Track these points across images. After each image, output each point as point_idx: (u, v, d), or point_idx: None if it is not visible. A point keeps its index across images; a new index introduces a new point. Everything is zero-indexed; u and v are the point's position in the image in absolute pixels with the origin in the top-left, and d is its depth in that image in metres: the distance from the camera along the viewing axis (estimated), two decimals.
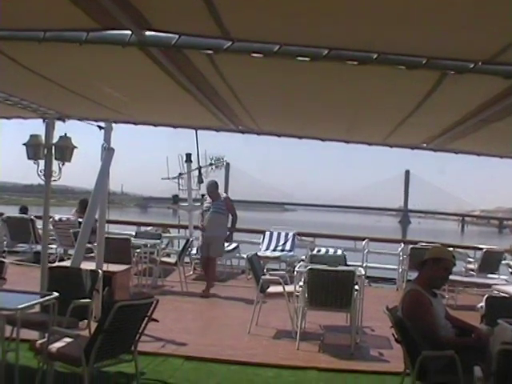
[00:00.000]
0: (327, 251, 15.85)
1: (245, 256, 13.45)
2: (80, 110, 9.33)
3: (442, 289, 10.62)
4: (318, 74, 5.67)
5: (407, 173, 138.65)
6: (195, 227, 15.94)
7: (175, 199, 19.69)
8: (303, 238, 18.36)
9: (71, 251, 13.09)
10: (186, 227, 18.37)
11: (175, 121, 10.60)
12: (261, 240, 17.53)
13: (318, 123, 9.27)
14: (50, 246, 13.81)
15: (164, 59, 5.57)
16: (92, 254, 11.21)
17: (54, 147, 8.59)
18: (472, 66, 4.80)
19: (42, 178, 8.60)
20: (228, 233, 14.35)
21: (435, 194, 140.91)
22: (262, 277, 10.72)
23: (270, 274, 11.50)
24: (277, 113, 8.57)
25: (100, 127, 9.95)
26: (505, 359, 5.26)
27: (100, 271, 8.45)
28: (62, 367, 6.57)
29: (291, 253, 16.86)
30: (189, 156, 18.75)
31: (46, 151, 8.55)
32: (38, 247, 15.20)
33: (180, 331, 10.02)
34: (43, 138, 8.62)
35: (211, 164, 20.68)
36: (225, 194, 14.77)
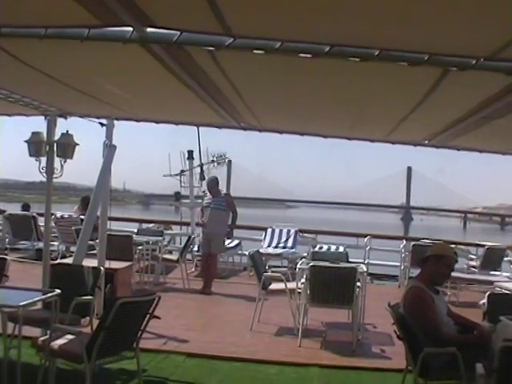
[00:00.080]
0: (329, 248, 15.83)
1: (247, 253, 13.44)
2: (82, 107, 9.34)
3: (444, 286, 10.61)
4: (319, 70, 5.67)
5: (409, 169, 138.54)
6: (197, 224, 15.92)
7: (177, 196, 19.68)
8: (305, 234, 18.33)
9: (73, 248, 13.07)
10: (188, 224, 18.36)
11: (177, 118, 10.60)
12: (263, 237, 17.51)
13: (320, 120, 9.27)
14: (52, 243, 13.84)
15: (165, 56, 5.57)
16: (94, 251, 11.20)
17: (55, 144, 8.57)
18: (474, 62, 4.79)
19: (44, 175, 8.59)
20: (228, 230, 14.34)
21: (437, 191, 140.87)
22: (264, 274, 10.71)
23: (272, 271, 11.48)
24: (279, 110, 8.57)
25: (102, 124, 9.93)
26: (507, 356, 5.25)
27: (102, 268, 8.44)
28: (64, 364, 6.57)
29: (293, 250, 16.84)
30: (191, 153, 18.74)
31: (47, 148, 8.54)
32: (40, 244, 15.19)
33: (182, 328, 10.01)
34: (45, 135, 8.61)
35: (213, 161, 20.64)
36: (225, 191, 14.74)
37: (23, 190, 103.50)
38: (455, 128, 8.22)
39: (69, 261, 10.19)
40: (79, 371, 6.11)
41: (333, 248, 15.81)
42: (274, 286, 10.68)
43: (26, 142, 8.60)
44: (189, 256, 15.78)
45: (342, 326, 10.51)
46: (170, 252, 16.14)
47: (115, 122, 10.15)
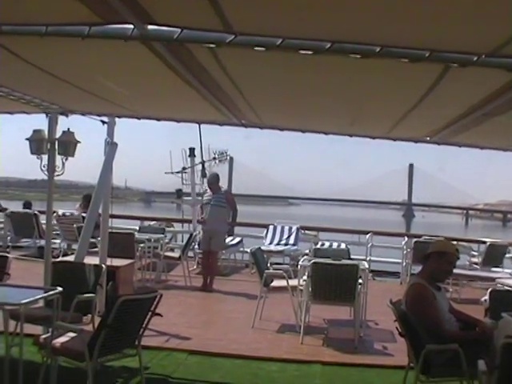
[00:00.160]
0: (331, 245, 15.89)
1: (248, 250, 13.44)
2: (83, 104, 9.32)
3: (445, 282, 10.61)
4: (320, 67, 5.66)
5: (411, 166, 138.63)
6: (198, 221, 15.93)
7: (179, 194, 19.71)
8: (307, 231, 18.35)
9: (75, 246, 13.09)
10: (189, 221, 18.40)
11: (178, 115, 10.58)
12: (264, 234, 17.53)
13: (321, 117, 9.25)
14: (54, 240, 13.87)
15: (167, 53, 5.56)
16: (96, 249, 11.22)
17: (57, 142, 8.59)
18: (475, 58, 4.78)
19: (46, 173, 8.60)
20: (229, 227, 14.34)
21: (439, 188, 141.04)
22: (266, 271, 10.73)
23: (274, 268, 11.52)
24: (280, 107, 8.56)
25: (103, 122, 9.93)
26: (509, 353, 5.25)
27: (104, 266, 8.46)
28: (65, 362, 6.58)
29: (295, 247, 16.86)
30: (192, 150, 18.76)
31: (49, 146, 8.55)
32: (42, 242, 15.20)
33: (184, 325, 10.03)
34: (46, 133, 8.62)
35: (214, 158, 20.66)
36: (225, 187, 14.72)
37: (25, 188, 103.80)
38: (456, 125, 8.20)
39: (70, 258, 10.21)
40: (81, 369, 6.13)
41: (334, 245, 15.88)
42: (275, 283, 10.69)
43: (27, 139, 8.61)
44: (190, 253, 15.82)
45: (344, 323, 10.53)
46: (172, 249, 16.17)
47: (116, 119, 10.16)
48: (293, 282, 10.43)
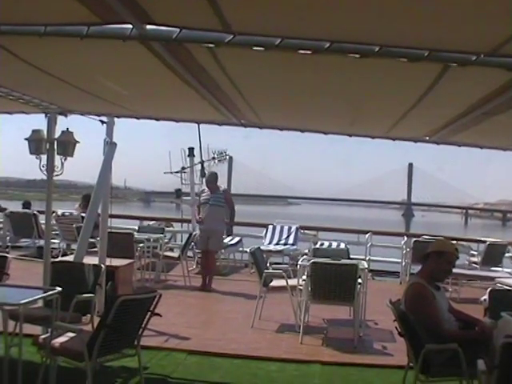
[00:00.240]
0: (330, 245, 15.88)
1: (248, 250, 13.44)
2: (82, 104, 9.32)
3: (445, 282, 10.61)
4: (320, 67, 5.65)
5: (410, 166, 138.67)
6: (197, 221, 15.92)
7: (178, 193, 19.72)
8: (306, 231, 18.34)
9: (74, 246, 13.09)
10: (188, 221, 18.39)
11: (177, 115, 10.58)
12: (264, 234, 17.51)
13: (321, 116, 9.25)
14: (53, 240, 13.86)
15: (165, 53, 5.56)
16: (95, 249, 11.22)
17: (56, 142, 8.58)
18: (474, 58, 4.78)
19: (45, 173, 8.60)
20: (228, 227, 14.33)
21: (438, 187, 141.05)
22: (265, 271, 10.73)
23: (273, 268, 11.52)
24: (279, 106, 8.56)
25: (102, 122, 9.92)
26: (508, 352, 5.25)
27: (103, 266, 8.45)
28: (65, 362, 6.57)
29: (294, 246, 16.85)
30: (191, 150, 18.75)
31: (48, 146, 8.54)
32: (41, 242, 15.19)
33: (183, 325, 10.02)
34: (45, 132, 8.61)
35: (214, 158, 20.67)
36: (223, 187, 14.67)
37: (24, 188, 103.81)
38: (456, 124, 8.21)
39: (70, 258, 10.20)
40: (80, 369, 6.12)
41: (334, 245, 15.87)
42: (275, 282, 10.69)
43: (26, 139, 8.60)
44: (190, 253, 15.80)
45: (344, 323, 10.53)
46: (171, 249, 16.16)
47: (116, 119, 10.15)
48: (292, 282, 10.43)
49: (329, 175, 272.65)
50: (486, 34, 4.33)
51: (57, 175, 8.70)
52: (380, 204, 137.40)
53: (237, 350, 8.77)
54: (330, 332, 10.22)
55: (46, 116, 8.80)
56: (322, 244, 15.82)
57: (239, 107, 8.66)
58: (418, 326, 6.31)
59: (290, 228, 17.50)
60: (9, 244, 17.27)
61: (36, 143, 8.55)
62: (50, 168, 8.58)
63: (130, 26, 4.87)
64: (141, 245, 13.96)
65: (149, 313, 6.44)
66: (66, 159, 8.66)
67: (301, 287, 10.04)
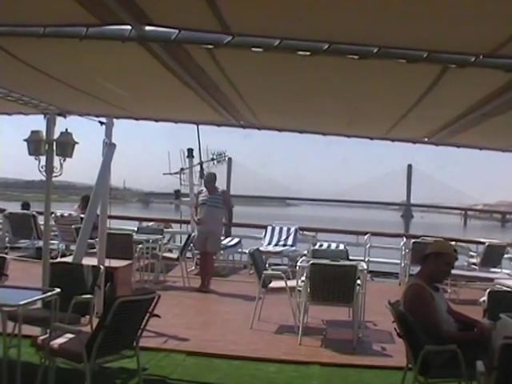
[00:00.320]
0: (329, 246, 15.86)
1: (247, 251, 13.43)
2: (81, 105, 9.33)
3: (444, 283, 10.62)
4: (318, 68, 5.66)
5: (409, 167, 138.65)
6: (196, 223, 15.90)
7: (177, 194, 19.71)
8: (305, 232, 18.34)
9: (73, 247, 13.08)
10: (188, 222, 18.36)
11: (176, 116, 10.60)
12: (263, 235, 17.51)
13: (319, 117, 9.26)
14: (52, 241, 13.84)
15: (164, 54, 5.57)
16: (94, 250, 11.20)
17: (55, 143, 8.57)
18: (473, 59, 4.79)
19: (44, 173, 8.59)
20: (225, 228, 14.31)
21: (438, 188, 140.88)
22: (264, 272, 10.72)
23: (272, 269, 11.50)
24: (278, 107, 8.56)
25: (101, 123, 9.92)
26: (507, 353, 5.25)
27: (102, 267, 8.44)
28: (63, 363, 6.56)
29: (293, 247, 16.84)
30: (190, 151, 18.74)
31: (47, 147, 8.53)
32: (40, 243, 15.17)
33: (182, 326, 10.01)
34: (44, 133, 8.61)
35: (213, 159, 20.68)
36: (221, 188, 14.61)
37: (23, 189, 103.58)
38: (455, 125, 8.22)
39: (69, 259, 10.18)
40: (79, 370, 6.11)
41: (333, 246, 15.84)
42: (274, 284, 10.69)
43: (25, 140, 8.59)
44: (189, 254, 15.77)
45: (343, 324, 10.51)
46: (170, 250, 16.13)
47: (115, 120, 10.15)
48: (291, 283, 10.42)
49: (328, 176, 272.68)
50: (485, 35, 4.34)
51: (56, 176, 8.69)
52: (379, 205, 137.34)
53: (236, 351, 8.76)
54: (329, 333, 10.22)
55: (44, 117, 8.79)
56: (321, 245, 15.80)
57: (238, 108, 8.67)
58: (417, 327, 6.31)
59: (289, 229, 17.50)
60: (8, 245, 17.24)
61: (35, 144, 8.54)
62: (49, 169, 8.57)
63: (129, 27, 4.87)
64: (140, 246, 13.94)
65: (148, 314, 6.44)
66: (64, 160, 8.65)
67: (300, 288, 10.03)
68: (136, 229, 16.44)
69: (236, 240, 17.26)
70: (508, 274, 14.51)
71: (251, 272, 14.26)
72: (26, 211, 17.84)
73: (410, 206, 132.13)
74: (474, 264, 15.71)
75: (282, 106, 8.42)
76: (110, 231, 10.97)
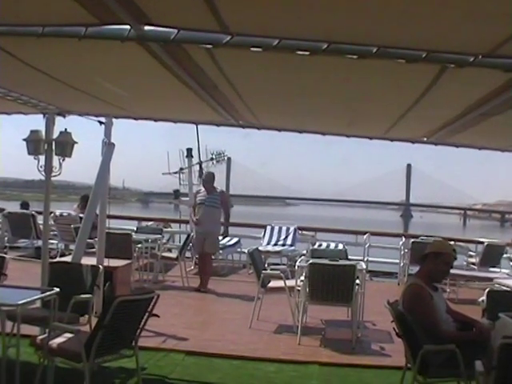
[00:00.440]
0: (328, 245, 15.87)
1: (246, 251, 13.42)
2: (80, 105, 9.33)
3: (443, 283, 10.62)
4: (317, 68, 5.66)
5: (409, 167, 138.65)
6: (194, 223, 15.88)
7: (176, 194, 19.67)
8: (304, 232, 18.33)
9: (72, 246, 13.08)
10: (187, 222, 18.35)
11: (175, 116, 10.60)
12: (262, 234, 17.50)
13: (319, 117, 9.26)
14: (51, 241, 13.83)
15: (163, 54, 5.57)
16: (93, 250, 11.19)
17: (54, 143, 8.57)
18: (472, 59, 4.79)
19: (43, 173, 8.59)
20: (223, 228, 14.29)
21: (437, 188, 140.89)
22: (263, 271, 10.71)
23: (272, 269, 11.49)
24: (277, 107, 8.57)
25: (100, 122, 9.92)
26: (506, 353, 5.25)
27: (101, 266, 8.43)
28: (62, 363, 6.55)
29: (292, 247, 16.84)
30: (190, 151, 18.71)
31: (46, 147, 8.53)
32: (39, 242, 15.17)
33: (181, 326, 10.01)
34: (43, 133, 8.61)
35: (212, 159, 20.66)
36: (220, 188, 14.58)
37: (22, 189, 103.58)
38: (454, 125, 8.22)
39: (68, 259, 10.18)
40: (78, 370, 6.10)
41: (332, 245, 15.85)
42: (273, 283, 10.68)
43: (24, 140, 8.59)
44: (188, 254, 15.76)
45: (342, 324, 10.51)
46: (169, 250, 16.11)
47: (114, 120, 10.15)
48: (290, 283, 10.42)
49: (327, 176, 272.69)
50: (484, 35, 4.34)
51: (55, 176, 8.69)
52: (378, 205, 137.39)
53: (235, 351, 8.76)
54: (327, 333, 10.22)
55: (44, 116, 8.79)
56: (320, 245, 15.81)
57: (237, 108, 8.67)
58: (416, 327, 6.31)
59: (288, 229, 17.49)
60: (7, 244, 17.22)
61: (34, 144, 8.54)
62: (48, 168, 8.57)
63: (128, 26, 4.88)
64: (139, 245, 13.94)
65: (147, 313, 6.44)
66: (64, 160, 8.65)
67: (299, 288, 10.03)
68: (135, 228, 16.44)
69: (235, 240, 17.25)
70: (507, 274, 14.51)
71: (250, 272, 14.26)
72: (25, 211, 17.82)
73: (409, 206, 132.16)
74: (473, 264, 15.71)
75: (281, 106, 8.42)
76: (109, 231, 10.96)
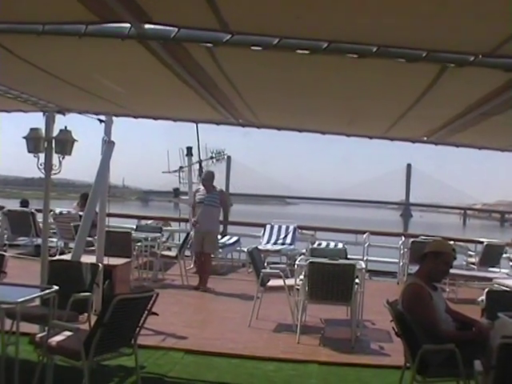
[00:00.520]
0: (328, 245, 15.89)
1: (245, 249, 13.43)
2: (80, 103, 9.32)
3: (442, 282, 10.62)
4: (317, 67, 5.65)
5: (409, 166, 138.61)
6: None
7: (176, 193, 19.70)
8: (304, 231, 18.35)
9: (72, 244, 13.09)
10: (186, 220, 18.36)
11: (175, 114, 10.58)
12: (261, 233, 17.52)
13: (318, 116, 9.25)
14: (51, 239, 13.82)
15: (163, 52, 5.56)
16: (92, 248, 11.20)
17: (54, 140, 8.58)
18: (472, 58, 4.78)
19: (42, 171, 8.59)
20: (221, 227, 14.28)
21: (437, 188, 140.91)
22: (263, 270, 10.72)
23: (271, 268, 11.50)
24: (277, 106, 8.55)
25: (100, 120, 9.93)
26: (505, 353, 5.26)
27: (100, 265, 8.45)
28: (61, 361, 6.56)
29: (292, 246, 16.86)
30: (189, 149, 18.72)
31: (46, 144, 8.54)
32: (39, 240, 15.18)
33: (180, 325, 10.02)
34: (43, 131, 8.61)
35: (212, 157, 20.67)
36: (219, 187, 14.55)
37: (22, 186, 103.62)
38: (454, 124, 8.21)
39: (67, 257, 10.18)
40: (77, 368, 6.11)
41: (331, 244, 15.88)
42: (272, 282, 10.69)
43: (24, 138, 8.59)
44: (187, 252, 15.77)
45: (341, 323, 10.52)
46: (169, 248, 16.13)
47: (114, 118, 10.14)
48: (289, 282, 10.43)
49: (327, 175, 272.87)
50: (484, 34, 4.33)
51: (55, 174, 8.70)
52: (378, 204, 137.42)
53: (234, 350, 8.77)
54: (327, 332, 10.23)
55: (44, 114, 8.80)
56: (319, 244, 15.82)
57: (237, 106, 8.66)
58: (415, 327, 6.32)
59: (287, 228, 17.51)
60: (6, 242, 17.24)
61: (34, 141, 8.55)
62: (48, 166, 8.57)
63: (128, 24, 4.87)
64: (138, 244, 13.96)
65: (146, 312, 6.44)
66: (63, 158, 8.66)
67: (298, 287, 10.04)
68: (135, 227, 16.47)
69: (235, 238, 17.27)
70: (506, 274, 14.53)
71: (250, 270, 14.25)
72: (24, 209, 17.84)
73: (409, 206, 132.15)
74: (473, 263, 15.74)
75: (280, 105, 8.41)
76: (108, 229, 10.98)
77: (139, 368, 6.85)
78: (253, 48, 4.94)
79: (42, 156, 8.57)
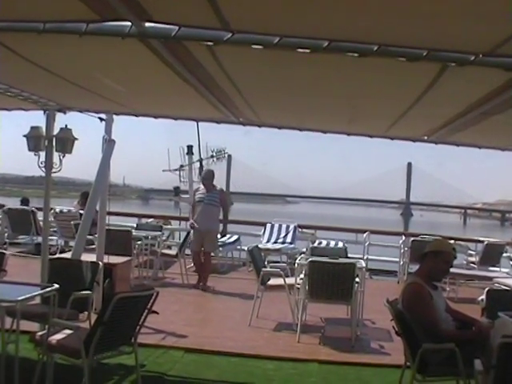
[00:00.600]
0: (328, 244, 15.87)
1: (246, 248, 13.42)
2: (81, 101, 9.33)
3: (442, 281, 10.60)
4: (318, 65, 5.66)
5: (409, 165, 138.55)
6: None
7: (176, 191, 19.67)
8: (304, 230, 18.33)
9: (72, 243, 13.07)
10: (187, 219, 18.32)
11: (176, 112, 10.59)
12: (262, 232, 17.50)
13: (319, 115, 9.26)
14: (51, 237, 13.82)
15: (164, 51, 5.57)
16: (93, 246, 11.20)
17: (54, 139, 8.57)
18: (473, 58, 4.79)
19: (43, 169, 8.59)
20: (221, 226, 14.27)
21: (437, 187, 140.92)
22: (263, 269, 10.71)
23: (271, 267, 11.48)
24: (277, 105, 8.56)
25: (101, 119, 9.92)
26: (505, 352, 5.25)
27: (100, 263, 8.44)
28: (62, 359, 6.54)
29: (292, 245, 16.83)
30: (190, 148, 18.70)
31: (46, 143, 8.53)
32: (39, 239, 15.19)
33: (180, 323, 10.01)
34: (44, 129, 8.60)
35: (212, 156, 20.65)
36: (219, 186, 14.51)
37: (22, 185, 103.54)
38: (454, 124, 8.22)
39: (67, 255, 10.18)
40: (77, 366, 6.10)
41: (332, 243, 15.85)
42: (272, 281, 10.68)
43: (24, 136, 8.59)
44: (188, 251, 15.75)
45: (341, 322, 10.51)
46: (169, 247, 16.13)
47: (114, 116, 10.14)
48: (290, 281, 10.42)
49: (328, 174, 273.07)
50: (485, 34, 4.34)
51: (55, 172, 8.69)
52: (378, 203, 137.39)
53: (234, 348, 8.76)
54: (327, 331, 10.22)
55: (44, 113, 8.78)
56: (319, 243, 15.79)
57: (237, 105, 8.67)
58: (415, 326, 6.31)
59: (288, 226, 17.49)
60: (7, 240, 17.22)
61: (34, 140, 8.54)
62: (49, 165, 8.56)
63: (129, 23, 4.87)
64: (139, 242, 13.93)
65: (146, 310, 6.44)
66: (64, 156, 8.65)
67: (298, 286, 10.03)
68: (135, 225, 16.44)
69: (235, 237, 17.24)
70: (507, 273, 14.52)
71: (250, 269, 14.22)
72: (25, 207, 17.82)
73: (409, 205, 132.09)
74: (473, 263, 15.70)
75: (281, 103, 8.42)
76: (109, 227, 10.97)
77: (139, 366, 6.84)
78: (253, 47, 4.95)
79: (42, 154, 8.56)
